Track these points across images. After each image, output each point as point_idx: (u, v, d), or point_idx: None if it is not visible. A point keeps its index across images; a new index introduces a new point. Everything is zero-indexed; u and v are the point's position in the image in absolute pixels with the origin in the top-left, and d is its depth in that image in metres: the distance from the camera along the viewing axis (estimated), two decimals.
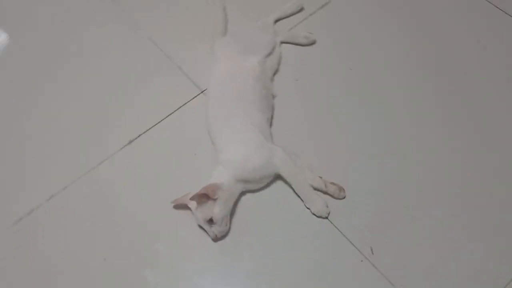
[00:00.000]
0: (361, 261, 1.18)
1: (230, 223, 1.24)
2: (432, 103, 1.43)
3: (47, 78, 1.55)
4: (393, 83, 1.47)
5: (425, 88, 1.46)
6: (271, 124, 1.38)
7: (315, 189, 1.27)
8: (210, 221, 1.19)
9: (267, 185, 1.30)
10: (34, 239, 1.26)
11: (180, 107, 1.45)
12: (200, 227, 1.22)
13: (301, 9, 1.63)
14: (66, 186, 1.33)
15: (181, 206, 1.25)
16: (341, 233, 1.22)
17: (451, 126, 1.39)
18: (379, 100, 1.44)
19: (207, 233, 1.21)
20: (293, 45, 1.55)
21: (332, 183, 1.27)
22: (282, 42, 1.54)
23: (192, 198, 1.18)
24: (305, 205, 1.25)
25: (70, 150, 1.40)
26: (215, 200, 1.19)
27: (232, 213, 1.24)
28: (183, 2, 1.70)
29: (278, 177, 1.28)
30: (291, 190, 1.27)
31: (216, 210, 1.18)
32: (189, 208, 1.23)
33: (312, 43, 1.55)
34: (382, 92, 1.45)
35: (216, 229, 1.20)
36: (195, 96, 1.47)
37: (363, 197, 1.27)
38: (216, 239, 1.21)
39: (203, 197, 1.18)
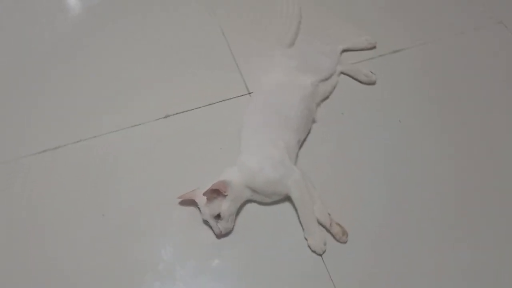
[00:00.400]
0: None
1: (235, 222, 1.25)
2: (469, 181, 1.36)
3: (109, 34, 1.65)
4: (436, 149, 1.41)
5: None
6: (301, 146, 1.38)
7: (320, 223, 1.25)
8: (217, 217, 1.21)
9: (275, 202, 1.29)
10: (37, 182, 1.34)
11: (224, 100, 1.48)
12: (205, 222, 1.24)
13: (373, 47, 1.61)
14: (95, 136, 1.40)
15: (186, 202, 1.27)
16: (330, 277, 1.20)
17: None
18: (414, 162, 1.38)
19: (212, 228, 1.22)
20: (352, 79, 1.53)
21: (338, 224, 1.24)
22: (342, 73, 1.53)
23: (205, 194, 1.20)
24: (304, 235, 1.24)
25: (109, 105, 1.48)
26: (225, 196, 1.20)
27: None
28: (263, 7, 1.74)
29: (288, 198, 1.28)
30: (296, 215, 1.26)
31: (225, 206, 1.20)
32: (194, 204, 1.25)
33: (372, 83, 1.52)
34: (419, 156, 1.39)
35: (222, 225, 1.21)
36: (241, 95, 1.49)
37: (364, 251, 1.24)
38: (220, 235, 1.23)
39: (214, 192, 1.20)
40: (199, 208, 1.24)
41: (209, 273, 1.21)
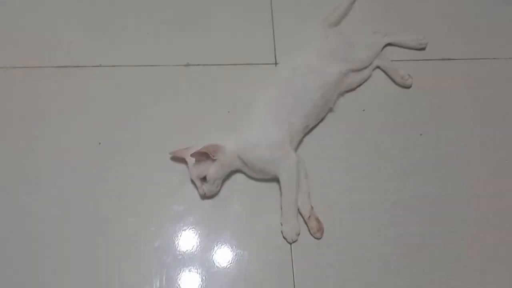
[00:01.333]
0: None
1: (221, 187, 1.26)
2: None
3: None
4: (451, 173, 1.32)
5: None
6: (309, 132, 1.33)
7: (300, 214, 1.23)
8: (203, 179, 1.22)
9: (264, 180, 1.28)
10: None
11: (248, 64, 1.45)
12: (192, 182, 1.25)
13: (422, 49, 1.48)
14: (114, 65, 1.43)
15: (177, 158, 1.28)
16: (292, 267, 1.19)
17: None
18: (419, 181, 1.30)
19: (197, 189, 1.24)
20: (386, 77, 1.43)
21: (317, 219, 1.22)
22: (378, 67, 1.43)
23: (192, 155, 1.20)
24: (280, 220, 1.23)
25: (137, 39, 1.50)
26: (213, 160, 1.20)
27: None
28: None
29: (277, 180, 1.25)
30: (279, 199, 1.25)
31: (212, 170, 1.20)
32: (184, 162, 1.26)
33: (406, 86, 1.42)
34: (426, 175, 1.31)
35: (206, 188, 1.22)
36: (267, 64, 1.45)
37: (333, 253, 1.21)
38: (204, 196, 1.24)
39: (203, 155, 1.20)
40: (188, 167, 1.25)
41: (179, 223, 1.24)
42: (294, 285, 1.17)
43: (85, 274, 1.17)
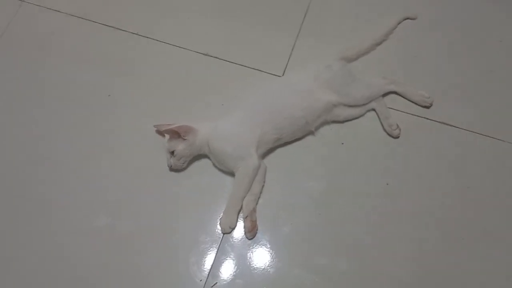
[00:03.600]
0: (200, 280, 1.29)
1: (188, 164, 1.42)
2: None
3: None
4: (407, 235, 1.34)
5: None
6: (282, 145, 1.44)
7: (242, 212, 1.35)
8: (172, 153, 1.38)
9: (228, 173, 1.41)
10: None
11: (257, 69, 1.57)
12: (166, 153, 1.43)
13: (425, 106, 1.48)
14: (139, 33, 1.66)
15: (159, 131, 1.46)
16: (216, 254, 1.32)
17: None
18: (366, 226, 1.35)
19: (167, 160, 1.41)
20: (378, 121, 1.47)
21: (253, 222, 1.33)
22: (374, 110, 1.48)
23: (165, 131, 1.38)
24: (223, 211, 1.35)
25: (168, 19, 1.70)
26: (184, 140, 1.36)
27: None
28: (366, 7, 1.68)
29: None
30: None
31: (180, 147, 1.37)
32: (163, 135, 1.44)
33: (392, 136, 1.44)
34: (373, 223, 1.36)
35: (173, 161, 1.39)
36: (273, 75, 1.56)
37: (256, 258, 1.32)
38: (170, 169, 1.41)
39: (175, 133, 1.36)
40: None
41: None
42: (210, 270, 1.30)
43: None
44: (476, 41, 1.59)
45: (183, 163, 1.40)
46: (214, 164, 1.43)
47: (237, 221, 1.34)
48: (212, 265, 1.31)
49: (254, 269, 1.30)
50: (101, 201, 1.40)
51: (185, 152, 1.38)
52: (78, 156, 1.47)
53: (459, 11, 1.65)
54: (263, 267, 1.30)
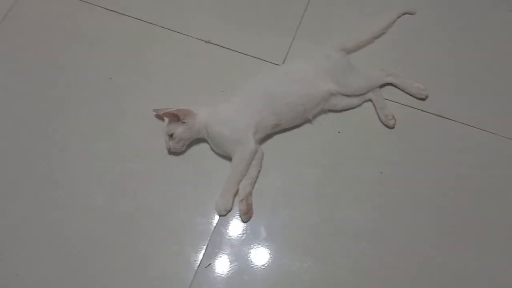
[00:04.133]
0: (194, 261, 1.31)
1: (187, 148, 1.44)
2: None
3: None
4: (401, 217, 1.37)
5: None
6: (280, 132, 1.46)
7: (238, 194, 1.37)
8: (171, 136, 1.40)
9: (225, 157, 1.43)
10: None
11: (257, 58, 1.59)
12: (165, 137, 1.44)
13: (421, 99, 1.51)
14: (145, 20, 1.67)
15: (158, 116, 1.48)
16: (210, 236, 1.34)
17: None
18: (361, 214, 1.38)
19: (165, 143, 1.42)
20: (374, 111, 1.50)
21: (248, 205, 1.35)
22: (370, 100, 1.50)
23: (164, 114, 1.40)
24: (220, 193, 1.38)
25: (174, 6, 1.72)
26: (183, 123, 1.38)
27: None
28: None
29: None
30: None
31: (179, 130, 1.39)
32: (162, 119, 1.46)
33: (388, 126, 1.47)
34: (369, 210, 1.38)
35: (172, 144, 1.41)
36: (273, 63, 1.58)
37: (251, 243, 1.34)
38: (169, 151, 1.43)
39: (175, 116, 1.39)
40: None
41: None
42: (205, 251, 1.32)
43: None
44: (472, 37, 1.63)
45: (182, 146, 1.42)
46: (212, 148, 1.45)
47: (232, 204, 1.36)
48: (207, 247, 1.33)
49: (248, 252, 1.32)
50: (100, 180, 1.42)
51: (184, 135, 1.40)
52: (79, 136, 1.49)
53: (457, 8, 1.68)
54: (257, 251, 1.32)
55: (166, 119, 1.42)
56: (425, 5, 1.67)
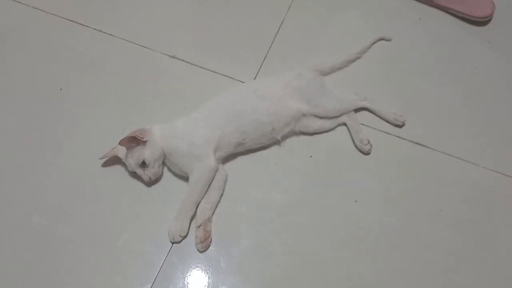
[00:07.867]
0: None
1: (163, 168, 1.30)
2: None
3: None
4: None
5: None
6: (248, 153, 1.34)
7: (196, 219, 1.21)
8: (143, 165, 1.23)
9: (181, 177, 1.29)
10: None
11: (226, 76, 1.49)
12: (133, 174, 1.28)
13: (397, 126, 1.41)
14: (111, 34, 1.56)
15: (110, 160, 1.31)
16: (161, 265, 1.18)
17: None
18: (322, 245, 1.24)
19: (142, 177, 1.25)
20: (349, 136, 1.39)
21: (207, 232, 1.19)
22: (345, 124, 1.40)
23: (121, 143, 1.22)
24: (173, 217, 1.21)
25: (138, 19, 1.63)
26: (144, 143, 1.23)
27: None
28: (338, 26, 1.65)
29: None
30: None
31: (148, 152, 1.23)
32: (118, 160, 1.29)
33: (363, 152, 1.36)
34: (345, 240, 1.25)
35: (149, 172, 1.24)
36: (241, 81, 1.48)
37: (205, 273, 1.18)
38: (150, 182, 1.26)
39: (133, 141, 1.23)
40: (124, 162, 1.27)
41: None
42: (153, 284, 1.14)
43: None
44: (450, 67, 1.56)
45: (159, 167, 1.27)
46: (169, 168, 1.30)
47: (188, 229, 1.20)
48: (155, 279, 1.15)
49: (204, 287, 1.15)
50: (39, 200, 1.25)
51: (155, 154, 1.24)
52: (22, 149, 1.33)
53: (434, 36, 1.63)
54: (214, 286, 1.15)
55: (123, 153, 1.26)
56: (401, 32, 1.62)
